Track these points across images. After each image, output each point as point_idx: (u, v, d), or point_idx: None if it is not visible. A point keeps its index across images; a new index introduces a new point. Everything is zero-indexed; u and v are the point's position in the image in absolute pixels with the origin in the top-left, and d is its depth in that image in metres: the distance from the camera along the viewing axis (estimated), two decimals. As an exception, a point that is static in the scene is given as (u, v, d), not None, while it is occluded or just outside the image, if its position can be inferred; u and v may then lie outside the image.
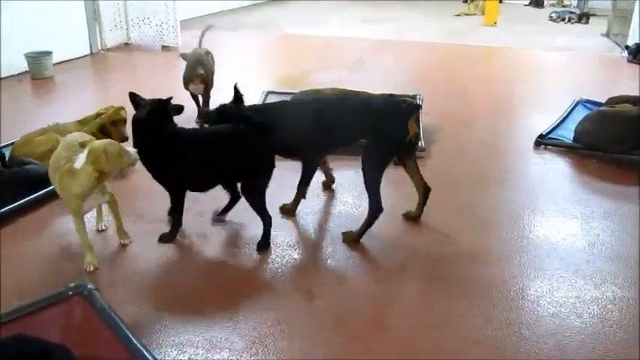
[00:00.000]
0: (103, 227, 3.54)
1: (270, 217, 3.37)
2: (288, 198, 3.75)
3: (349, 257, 3.31)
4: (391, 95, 5.01)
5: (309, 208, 3.85)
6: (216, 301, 2.94)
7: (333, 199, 4.01)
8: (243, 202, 3.48)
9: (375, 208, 3.42)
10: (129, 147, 3.13)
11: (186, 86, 5.17)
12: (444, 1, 13.13)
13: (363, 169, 3.42)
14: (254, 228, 3.48)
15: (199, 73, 5.03)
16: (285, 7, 12.88)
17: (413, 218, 3.73)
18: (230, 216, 3.68)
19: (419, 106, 3.75)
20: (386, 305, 2.95)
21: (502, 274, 3.16)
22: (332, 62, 7.96)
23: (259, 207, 3.35)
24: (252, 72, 7.65)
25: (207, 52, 5.36)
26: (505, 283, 3.09)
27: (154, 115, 3.18)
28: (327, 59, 8.16)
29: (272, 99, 5.39)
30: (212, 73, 5.29)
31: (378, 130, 3.41)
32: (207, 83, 5.15)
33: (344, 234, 3.48)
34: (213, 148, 3.27)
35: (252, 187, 3.34)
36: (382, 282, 3.12)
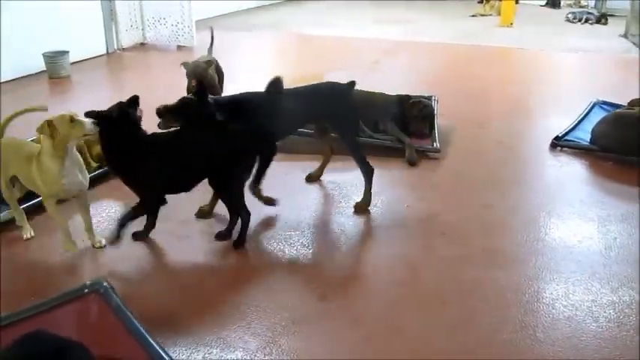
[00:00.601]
0: (102, 244, 3.40)
1: (248, 214, 3.36)
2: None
3: (363, 258, 3.32)
4: (407, 96, 5.05)
5: (324, 206, 3.85)
6: (230, 301, 2.95)
7: (347, 197, 4.00)
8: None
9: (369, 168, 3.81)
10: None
11: None
12: (459, 1, 13.07)
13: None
14: (268, 227, 3.49)
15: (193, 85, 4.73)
16: (299, 8, 12.87)
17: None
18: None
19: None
20: (400, 306, 2.94)
21: (517, 277, 3.14)
22: (346, 63, 7.93)
23: (234, 204, 3.32)
24: (266, 72, 7.64)
25: (210, 61, 5.00)
26: (520, 285, 3.07)
27: (113, 123, 3.16)
28: (341, 60, 8.14)
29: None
30: (214, 83, 4.90)
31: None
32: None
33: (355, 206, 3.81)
34: (175, 150, 3.24)
35: (223, 184, 3.30)
36: (397, 283, 3.11)
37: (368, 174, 3.77)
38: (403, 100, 5.01)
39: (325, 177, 4.30)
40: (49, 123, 3.06)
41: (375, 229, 3.66)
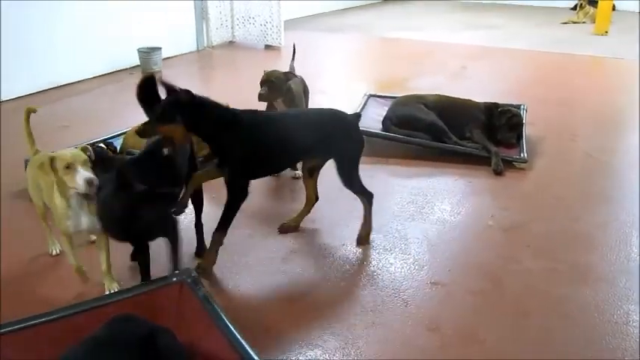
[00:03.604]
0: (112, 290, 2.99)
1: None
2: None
3: (444, 265, 3.28)
4: (495, 104, 4.96)
5: (407, 211, 3.84)
6: (311, 300, 2.99)
7: (431, 203, 3.96)
8: (353, 208, 3.48)
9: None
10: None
11: None
12: (551, 8, 12.70)
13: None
14: (345, 228, 3.51)
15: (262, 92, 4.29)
16: (384, 11, 12.85)
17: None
18: (322, 217, 3.74)
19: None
20: (479, 316, 2.89)
21: (605, 296, 3.02)
22: (432, 68, 7.87)
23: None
24: (351, 74, 7.70)
25: (289, 73, 4.46)
26: (608, 305, 2.94)
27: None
28: (426, 64, 8.08)
29: (373, 103, 5.38)
30: (292, 97, 4.40)
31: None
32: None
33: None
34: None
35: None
36: (477, 292, 3.06)
37: (369, 200, 3.47)
38: (491, 108, 4.93)
39: (409, 182, 4.29)
40: (52, 159, 2.72)
41: (457, 237, 3.60)
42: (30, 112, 3.29)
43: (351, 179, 3.39)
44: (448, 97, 5.11)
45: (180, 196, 3.10)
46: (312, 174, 3.56)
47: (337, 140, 3.33)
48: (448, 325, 2.79)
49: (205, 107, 3.01)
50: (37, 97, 6.32)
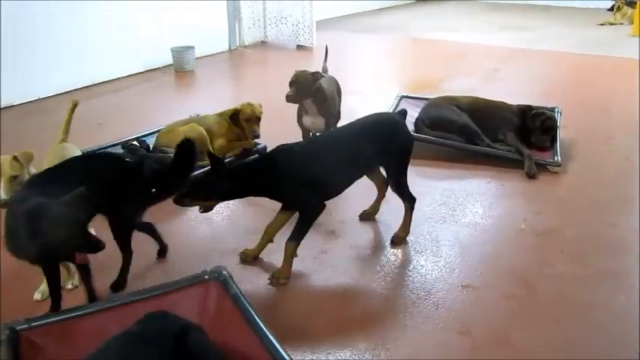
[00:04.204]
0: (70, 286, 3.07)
1: (131, 253, 3.05)
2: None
3: (475, 268, 3.25)
4: (529, 107, 4.90)
5: (438, 213, 3.82)
6: (342, 301, 2.99)
7: (463, 206, 3.93)
8: (384, 208, 3.47)
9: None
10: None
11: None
12: (588, 9, 12.50)
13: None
14: (383, 229, 3.51)
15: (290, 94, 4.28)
16: (417, 11, 12.79)
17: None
18: (353, 217, 3.75)
19: None
20: (511, 320, 2.86)
21: (640, 303, 2.97)
22: (465, 69, 7.81)
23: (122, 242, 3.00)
24: (384, 75, 7.68)
25: (317, 73, 4.36)
26: (644, 312, 2.90)
27: None
28: (459, 66, 8.01)
29: (405, 104, 5.35)
30: (323, 98, 4.36)
31: None
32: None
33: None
34: None
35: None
36: (509, 296, 3.03)
37: (412, 205, 3.47)
38: (525, 111, 4.88)
39: (441, 184, 4.27)
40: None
41: (489, 240, 3.57)
42: (75, 105, 3.53)
43: (400, 183, 3.41)
44: (481, 99, 5.07)
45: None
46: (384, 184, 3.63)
47: (388, 144, 3.32)
48: (479, 329, 2.77)
49: (237, 174, 3.08)
50: (72, 95, 6.43)
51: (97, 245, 2.49)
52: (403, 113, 3.58)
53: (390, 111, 5.12)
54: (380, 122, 3.43)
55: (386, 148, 3.30)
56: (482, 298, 3.02)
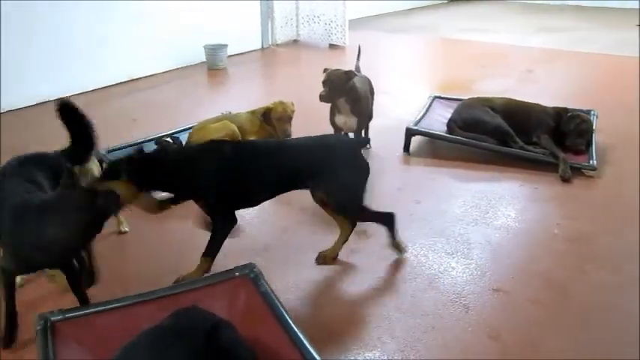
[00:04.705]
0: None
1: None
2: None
3: (506, 272, 3.21)
4: (564, 109, 4.83)
5: (470, 215, 3.78)
6: (372, 302, 2.98)
7: (495, 208, 3.89)
8: (413, 210, 3.44)
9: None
10: None
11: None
12: (626, 9, 12.26)
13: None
14: (405, 230, 3.49)
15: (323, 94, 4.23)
16: (449, 11, 12.70)
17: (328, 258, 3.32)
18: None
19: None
20: (542, 326, 2.81)
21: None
22: (498, 70, 7.72)
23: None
24: (416, 75, 7.63)
25: (350, 72, 4.32)
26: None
27: None
28: (493, 67, 7.93)
29: (437, 104, 5.32)
30: (356, 97, 4.35)
31: None
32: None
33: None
34: None
35: None
36: (540, 301, 2.98)
37: (390, 221, 3.23)
38: (560, 114, 4.80)
39: (473, 186, 4.23)
40: None
41: (521, 244, 3.53)
42: None
43: (345, 204, 3.16)
44: (516, 100, 5.01)
45: None
46: (324, 204, 3.25)
47: (327, 167, 3.07)
48: (509, 334, 2.74)
49: (154, 161, 2.87)
50: (109, 91, 6.54)
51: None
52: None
53: (423, 112, 5.11)
54: (327, 144, 3.23)
55: (323, 171, 3.06)
56: (513, 302, 2.98)
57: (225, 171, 2.94)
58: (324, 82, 4.20)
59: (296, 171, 3.07)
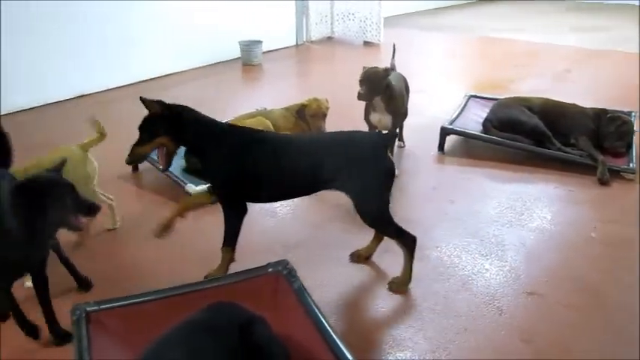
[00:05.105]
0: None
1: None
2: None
3: (540, 275, 3.17)
4: (604, 110, 4.73)
5: (504, 217, 3.74)
6: (405, 302, 2.96)
7: (530, 210, 3.84)
8: (447, 209, 3.41)
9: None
10: None
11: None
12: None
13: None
14: (438, 230, 3.46)
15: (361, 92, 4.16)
16: (485, 10, 12.54)
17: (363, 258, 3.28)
18: (415, 218, 3.68)
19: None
20: (576, 330, 2.77)
21: None
22: (534, 70, 7.60)
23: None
24: (451, 74, 7.56)
25: (387, 69, 4.28)
26: None
27: None
28: (529, 66, 7.81)
29: (473, 104, 5.27)
30: (392, 95, 4.28)
31: None
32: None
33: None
34: None
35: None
36: (575, 306, 2.93)
37: (412, 245, 2.99)
38: (599, 115, 4.70)
39: (508, 187, 4.19)
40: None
41: (557, 247, 3.47)
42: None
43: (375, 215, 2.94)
44: (553, 100, 4.92)
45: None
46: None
47: (353, 166, 2.84)
48: (542, 338, 2.70)
49: (186, 118, 2.96)
50: (143, 86, 6.63)
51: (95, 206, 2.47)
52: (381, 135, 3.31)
53: (458, 111, 5.06)
54: (353, 140, 2.95)
55: (349, 170, 2.83)
56: (547, 306, 2.94)
57: (235, 157, 2.85)
58: (362, 81, 4.14)
59: (314, 168, 2.83)
